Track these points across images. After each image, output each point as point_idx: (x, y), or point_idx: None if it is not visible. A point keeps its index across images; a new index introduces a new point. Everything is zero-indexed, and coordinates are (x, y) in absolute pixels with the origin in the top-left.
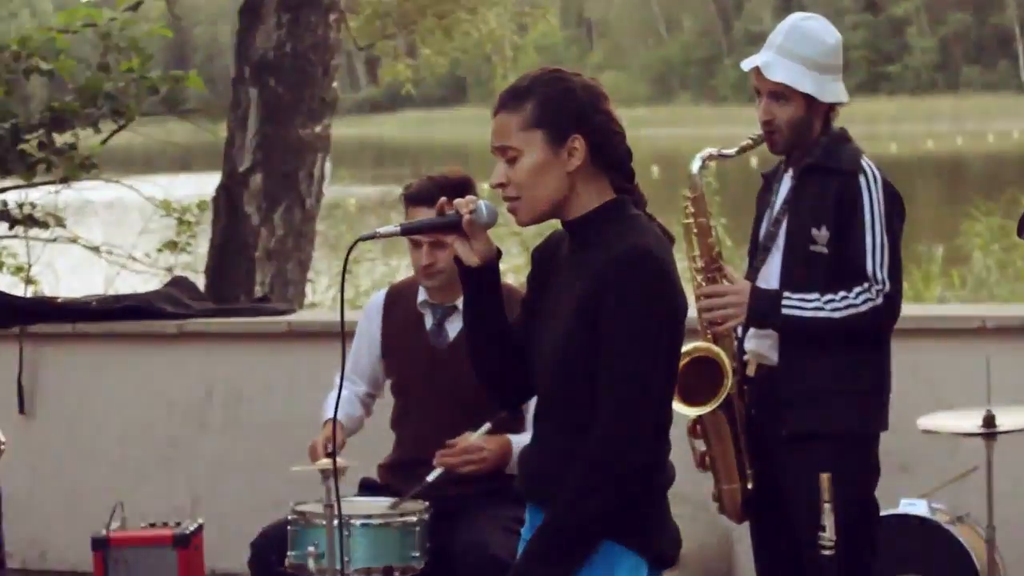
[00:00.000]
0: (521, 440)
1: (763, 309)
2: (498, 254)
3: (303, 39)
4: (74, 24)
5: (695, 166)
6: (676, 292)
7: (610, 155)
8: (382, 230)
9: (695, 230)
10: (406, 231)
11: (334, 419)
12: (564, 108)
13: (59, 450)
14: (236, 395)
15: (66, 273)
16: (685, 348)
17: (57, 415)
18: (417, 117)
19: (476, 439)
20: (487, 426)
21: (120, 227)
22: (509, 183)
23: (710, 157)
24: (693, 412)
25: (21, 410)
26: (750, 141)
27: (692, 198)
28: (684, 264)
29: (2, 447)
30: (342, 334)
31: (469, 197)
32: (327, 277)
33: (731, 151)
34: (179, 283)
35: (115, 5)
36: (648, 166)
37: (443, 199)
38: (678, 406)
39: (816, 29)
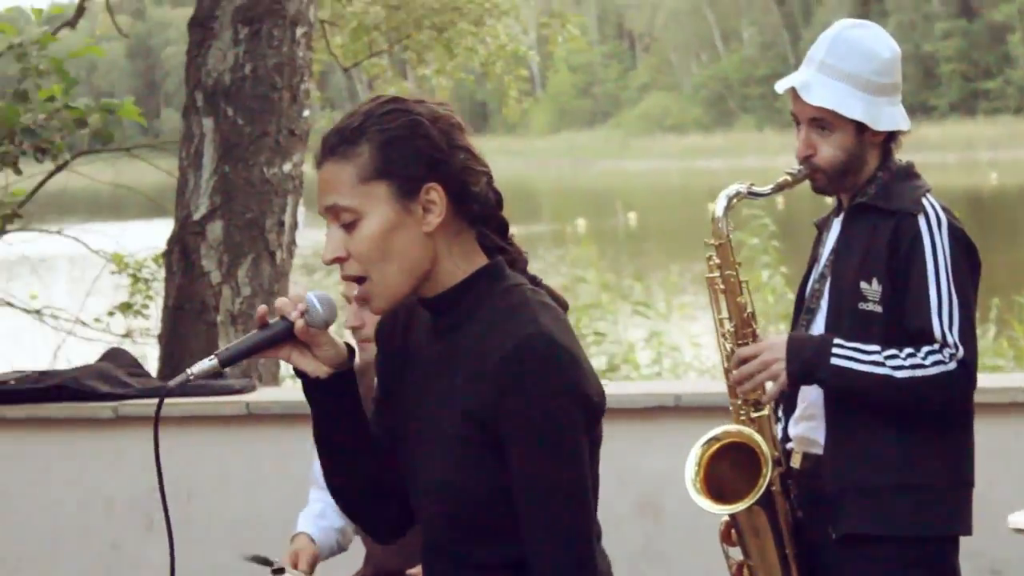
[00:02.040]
0: None
1: (807, 358)
2: (351, 354)
3: (266, 58)
4: None
5: (719, 207)
6: (589, 382)
7: (476, 204)
8: (195, 369)
9: (721, 286)
10: (226, 362)
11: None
12: (412, 149)
13: None
14: (186, 490)
15: (4, 341)
16: (713, 433)
17: None
18: None
19: None
20: None
21: (70, 284)
22: (349, 256)
23: (739, 196)
24: (725, 510)
25: None
26: (788, 177)
27: (716, 246)
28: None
29: None
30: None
31: (293, 295)
32: None
33: (765, 189)
34: (115, 356)
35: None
36: (702, 204)
37: (262, 308)
38: (707, 504)
39: (866, 39)
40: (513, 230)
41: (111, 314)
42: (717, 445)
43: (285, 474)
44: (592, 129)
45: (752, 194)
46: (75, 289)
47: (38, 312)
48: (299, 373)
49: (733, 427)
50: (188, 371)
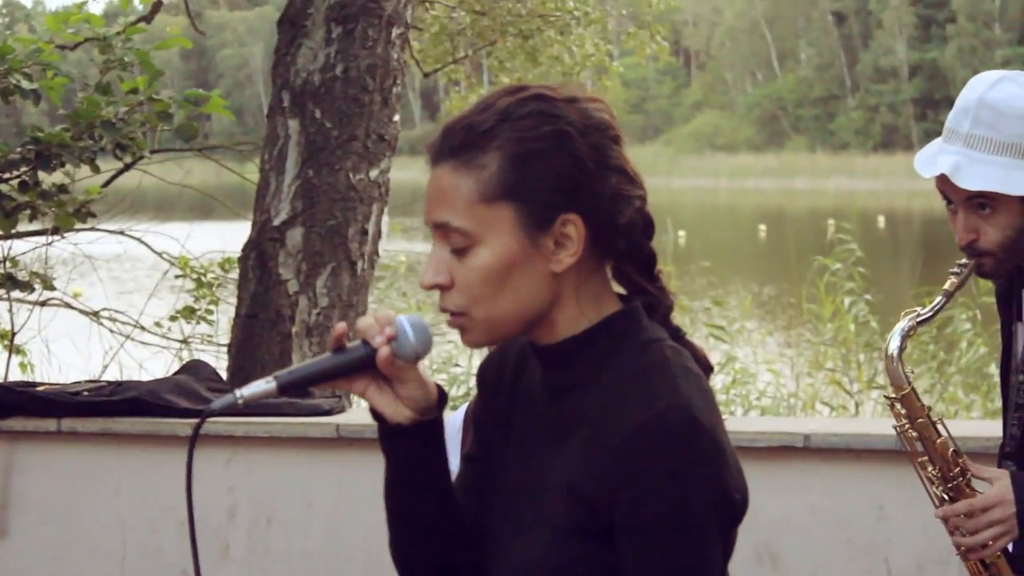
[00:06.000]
0: None
1: None
2: (441, 399)
3: (358, 59)
4: (64, 32)
5: (893, 345)
6: (731, 474)
7: (621, 239)
8: (247, 391)
9: (914, 434)
10: (287, 387)
11: None
12: (551, 169)
13: None
14: (266, 516)
15: (59, 341)
16: None
17: (36, 535)
18: None
19: None
20: None
21: (128, 286)
22: (453, 285)
23: (911, 331)
24: None
25: None
26: (954, 279)
27: (899, 398)
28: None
29: None
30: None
31: (383, 314)
32: None
33: (935, 305)
34: (194, 368)
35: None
36: (754, 224)
37: (341, 326)
38: None
39: (1015, 98)
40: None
41: (174, 319)
42: None
43: (374, 504)
44: (642, 145)
45: (920, 324)
46: (122, 289)
47: (96, 314)
48: (375, 414)
49: None
50: (237, 393)
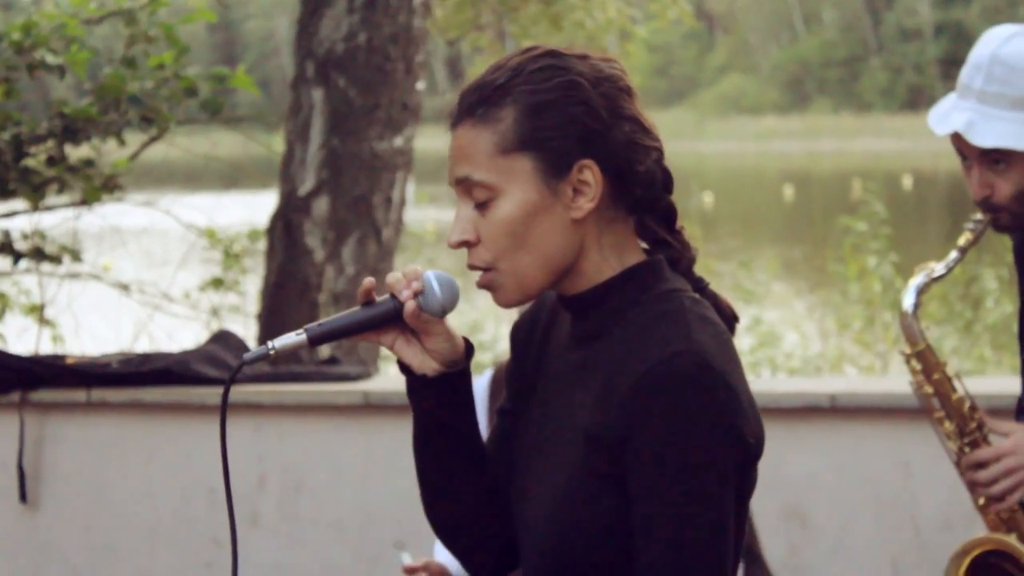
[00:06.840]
0: None
1: None
2: (468, 351)
3: (381, 28)
4: (88, 6)
5: (908, 301)
6: (746, 418)
7: (638, 187)
8: (279, 342)
9: (930, 390)
10: (317, 339)
11: None
12: (565, 117)
13: (69, 549)
14: (296, 483)
15: (89, 314)
16: (967, 542)
17: (67, 505)
18: None
19: None
20: None
21: (157, 258)
22: (479, 241)
23: (926, 287)
24: None
25: (22, 498)
26: (970, 234)
27: (915, 354)
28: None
29: None
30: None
31: (411, 269)
32: None
33: (950, 260)
34: (223, 339)
35: None
36: (780, 186)
37: (369, 280)
38: None
39: None
40: None
41: (203, 290)
42: (973, 554)
43: (402, 470)
44: (667, 110)
45: (934, 280)
46: (151, 262)
47: (125, 287)
48: (402, 367)
49: (987, 535)
50: (270, 344)
